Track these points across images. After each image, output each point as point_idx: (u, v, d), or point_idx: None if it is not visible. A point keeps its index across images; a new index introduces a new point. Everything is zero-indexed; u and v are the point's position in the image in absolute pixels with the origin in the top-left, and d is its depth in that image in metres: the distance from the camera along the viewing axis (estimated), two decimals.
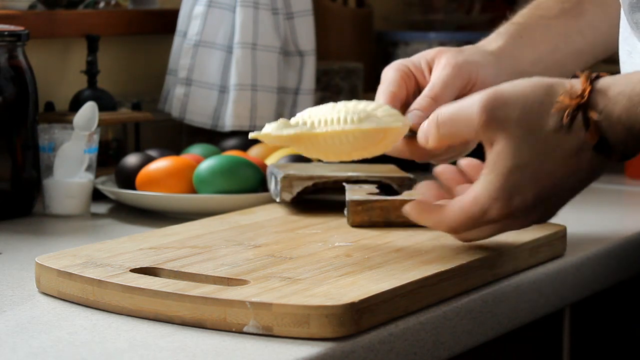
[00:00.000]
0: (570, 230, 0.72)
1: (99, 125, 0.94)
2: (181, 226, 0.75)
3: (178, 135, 1.17)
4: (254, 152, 1.03)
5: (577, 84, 0.57)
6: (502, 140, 0.57)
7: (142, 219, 0.92)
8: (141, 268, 0.62)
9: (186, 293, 0.56)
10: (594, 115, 0.56)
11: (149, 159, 0.97)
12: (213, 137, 1.14)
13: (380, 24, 1.37)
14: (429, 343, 0.59)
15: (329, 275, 0.59)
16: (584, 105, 0.56)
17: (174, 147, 1.13)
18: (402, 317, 0.58)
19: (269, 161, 0.98)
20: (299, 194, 0.80)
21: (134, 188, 0.95)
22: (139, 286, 0.58)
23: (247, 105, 1.11)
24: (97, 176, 0.98)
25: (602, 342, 0.83)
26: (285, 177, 0.80)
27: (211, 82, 1.12)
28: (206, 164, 0.91)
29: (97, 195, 0.98)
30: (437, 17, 1.37)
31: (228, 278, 0.59)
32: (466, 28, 1.39)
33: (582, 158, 0.57)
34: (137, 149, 1.08)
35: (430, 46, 1.24)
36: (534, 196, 0.57)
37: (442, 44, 1.25)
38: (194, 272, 0.60)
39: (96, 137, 0.94)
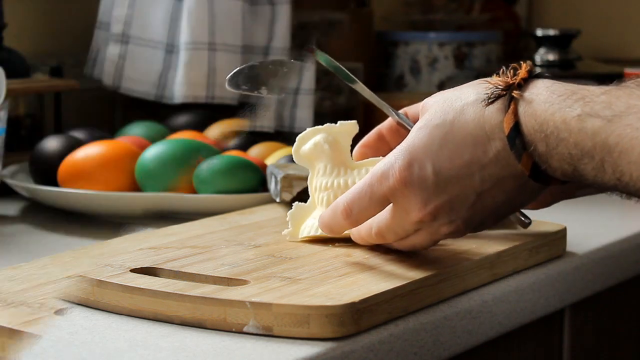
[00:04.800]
0: (570, 230, 0.82)
1: (6, 96, 0.92)
2: (181, 226, 0.82)
3: (111, 110, 1.16)
4: (254, 152, 1.06)
5: (518, 70, 0.69)
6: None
7: (67, 225, 0.91)
8: (141, 268, 0.70)
9: (186, 293, 0.66)
10: (517, 95, 0.67)
11: (75, 144, 0.96)
12: (158, 112, 1.13)
13: (380, 24, 1.54)
14: (429, 343, 0.69)
15: (329, 275, 0.69)
16: (512, 86, 0.68)
17: (107, 126, 1.12)
18: (402, 317, 0.67)
19: (269, 161, 1.02)
20: (299, 194, 0.89)
21: (55, 183, 0.94)
22: (138, 286, 0.67)
23: (202, 69, 1.10)
24: (4, 165, 0.97)
25: (602, 342, 0.93)
26: (285, 177, 0.90)
27: (155, 39, 1.11)
28: (152, 152, 0.92)
29: (4, 191, 0.97)
30: (437, 17, 1.58)
31: (228, 278, 0.68)
32: (466, 28, 1.59)
33: (490, 148, 0.68)
34: (58, 128, 1.07)
35: (429, 46, 1.46)
36: (434, 173, 0.69)
37: (442, 44, 1.47)
38: (194, 272, 0.69)
39: (3, 114, 0.91)
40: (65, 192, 0.91)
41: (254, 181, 0.96)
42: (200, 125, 1.06)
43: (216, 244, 0.77)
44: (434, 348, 0.69)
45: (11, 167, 0.99)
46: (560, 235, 0.81)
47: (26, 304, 0.64)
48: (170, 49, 1.11)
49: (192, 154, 0.93)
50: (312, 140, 0.81)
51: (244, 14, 1.12)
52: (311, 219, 0.79)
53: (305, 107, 1.18)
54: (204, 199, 0.93)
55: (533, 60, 1.44)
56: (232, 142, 1.06)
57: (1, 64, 0.96)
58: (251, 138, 1.09)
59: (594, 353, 0.92)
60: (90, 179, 0.91)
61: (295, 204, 0.80)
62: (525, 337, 0.82)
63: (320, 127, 0.81)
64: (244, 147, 1.07)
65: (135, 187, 0.92)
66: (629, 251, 0.90)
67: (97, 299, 0.68)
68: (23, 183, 0.94)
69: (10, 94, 0.96)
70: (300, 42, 1.23)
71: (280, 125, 1.17)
